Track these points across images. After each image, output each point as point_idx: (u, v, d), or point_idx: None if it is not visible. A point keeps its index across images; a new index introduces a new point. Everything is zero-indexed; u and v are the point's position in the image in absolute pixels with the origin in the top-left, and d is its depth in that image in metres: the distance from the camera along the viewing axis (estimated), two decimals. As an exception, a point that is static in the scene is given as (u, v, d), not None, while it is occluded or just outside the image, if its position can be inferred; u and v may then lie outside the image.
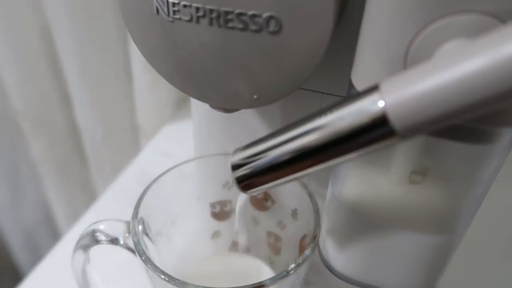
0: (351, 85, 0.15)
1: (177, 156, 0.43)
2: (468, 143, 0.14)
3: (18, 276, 0.75)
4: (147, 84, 0.46)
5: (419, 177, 0.15)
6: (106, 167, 0.53)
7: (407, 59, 0.13)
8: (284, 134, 0.13)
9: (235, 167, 0.15)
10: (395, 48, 0.13)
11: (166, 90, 0.47)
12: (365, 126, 0.12)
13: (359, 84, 0.15)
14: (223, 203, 0.26)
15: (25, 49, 0.47)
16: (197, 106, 0.25)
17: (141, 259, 0.18)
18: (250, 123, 0.24)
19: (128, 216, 0.21)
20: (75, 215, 0.59)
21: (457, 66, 0.10)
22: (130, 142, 0.53)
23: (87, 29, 0.44)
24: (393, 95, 0.11)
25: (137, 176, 0.42)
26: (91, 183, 0.58)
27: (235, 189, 0.26)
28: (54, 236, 0.66)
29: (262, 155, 0.14)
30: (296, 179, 0.14)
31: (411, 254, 0.18)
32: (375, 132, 0.11)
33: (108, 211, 0.37)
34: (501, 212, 0.22)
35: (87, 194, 0.59)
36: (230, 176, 0.25)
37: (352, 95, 0.12)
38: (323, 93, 0.21)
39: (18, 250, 0.71)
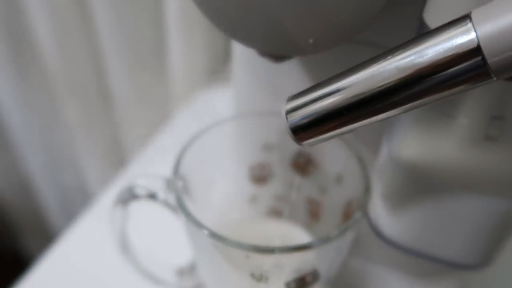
0: (422, 24, 0.14)
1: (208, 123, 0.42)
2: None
3: (51, 236, 0.77)
4: (181, 49, 0.45)
5: (496, 131, 0.13)
6: (137, 133, 0.53)
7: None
8: (350, 76, 0.12)
9: (290, 112, 0.13)
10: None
11: (200, 56, 0.46)
12: (455, 61, 0.10)
13: (434, 22, 0.13)
14: (261, 166, 0.25)
15: (61, 16, 0.47)
16: (241, 58, 0.23)
17: (183, 213, 0.18)
18: (295, 80, 0.22)
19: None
20: (105, 179, 0.60)
21: None
22: (162, 108, 0.52)
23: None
24: (487, 25, 0.10)
25: (168, 141, 0.41)
26: (122, 148, 0.58)
27: (275, 152, 0.25)
28: (86, 197, 0.67)
29: (324, 99, 0.13)
30: (360, 127, 0.13)
31: (474, 222, 0.16)
32: (466, 68, 0.10)
33: (139, 173, 0.37)
34: None
35: (119, 159, 0.60)
36: (270, 139, 0.24)
37: (434, 29, 0.11)
38: (378, 46, 0.19)
39: (52, 211, 0.73)
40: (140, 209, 0.22)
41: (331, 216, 0.24)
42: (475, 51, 0.10)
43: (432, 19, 0.13)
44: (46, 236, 0.77)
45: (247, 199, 0.26)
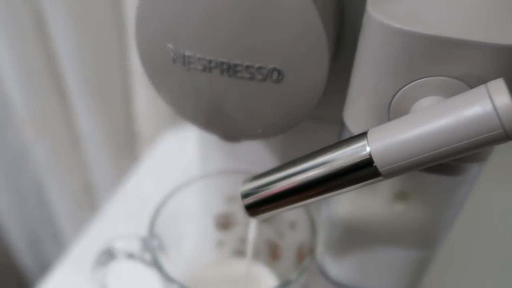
0: (343, 123, 0.18)
1: (177, 164, 0.45)
2: (442, 175, 0.16)
3: (22, 280, 0.76)
4: (148, 92, 0.47)
5: (401, 200, 0.18)
6: (107, 174, 0.55)
7: (390, 109, 0.15)
8: (287, 170, 0.16)
9: (244, 195, 0.17)
10: (380, 100, 0.15)
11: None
12: (355, 167, 0.14)
13: (350, 124, 0.17)
14: (226, 216, 0.29)
15: (28, 61, 0.48)
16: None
17: (160, 272, 0.21)
18: (251, 144, 0.26)
19: (130, 228, 0.23)
20: (78, 222, 0.61)
21: (426, 124, 0.13)
22: (129, 149, 0.55)
23: (87, 40, 0.46)
24: (378, 142, 0.14)
25: (138, 188, 0.44)
26: (93, 190, 0.60)
27: (237, 202, 0.28)
28: (57, 241, 0.67)
29: (268, 186, 0.16)
30: (296, 207, 0.16)
31: (394, 265, 0.20)
32: (363, 173, 0.14)
33: (112, 224, 0.39)
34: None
35: (89, 199, 0.61)
36: (233, 192, 0.28)
37: (344, 140, 0.15)
38: (319, 119, 0.23)
39: (20, 250, 0.73)
40: (119, 263, 0.25)
41: (288, 256, 0.28)
42: (369, 162, 0.14)
43: (348, 121, 0.17)
44: (18, 279, 0.76)
45: (215, 244, 0.30)
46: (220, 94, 0.17)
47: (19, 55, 0.48)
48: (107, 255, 0.23)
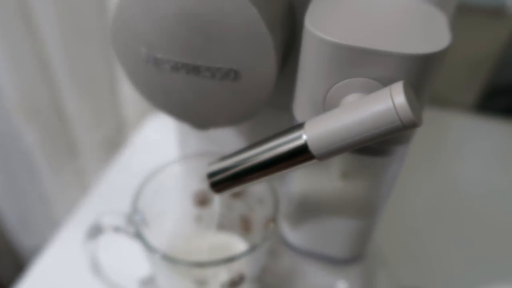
0: (292, 115, 0.21)
1: (161, 145, 0.48)
2: (374, 156, 0.20)
3: (16, 258, 0.80)
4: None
5: (345, 179, 0.21)
6: (95, 156, 0.58)
7: (324, 103, 0.18)
8: (243, 154, 0.19)
9: (210, 175, 0.20)
10: (317, 96, 0.18)
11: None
12: (294, 152, 0.17)
13: (297, 115, 0.20)
14: (203, 193, 0.32)
15: (14, 46, 0.50)
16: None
17: (142, 243, 0.24)
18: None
19: (119, 206, 0.26)
20: (69, 201, 0.64)
21: (347, 116, 0.16)
22: (116, 133, 0.57)
23: (72, 27, 0.48)
24: (312, 132, 0.17)
25: (124, 169, 0.47)
26: (82, 171, 0.62)
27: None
28: (49, 219, 0.70)
29: (228, 168, 0.20)
30: (253, 184, 0.20)
31: (342, 232, 0.24)
32: (301, 156, 0.17)
33: (102, 203, 0.42)
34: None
35: (79, 181, 0.64)
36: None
37: (285, 130, 0.18)
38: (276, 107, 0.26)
39: (15, 233, 0.76)
40: (107, 236, 0.28)
41: (258, 228, 0.31)
42: (305, 148, 0.17)
43: (296, 113, 0.20)
44: (11, 256, 0.79)
45: (193, 219, 0.33)
46: (187, 90, 0.20)
47: (6, 42, 0.50)
48: (96, 229, 0.26)
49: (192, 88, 0.20)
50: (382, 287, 0.36)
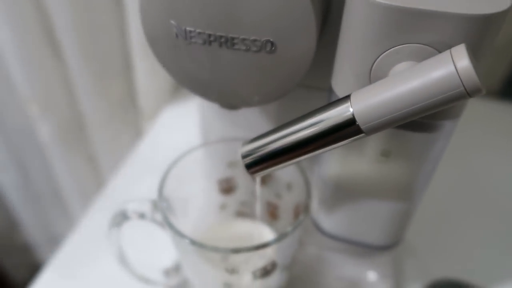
0: (331, 89, 0.20)
1: (178, 136, 0.47)
2: (419, 132, 0.18)
3: (31, 254, 0.80)
4: (147, 69, 0.49)
5: (384, 158, 0.20)
6: (110, 149, 0.57)
7: (370, 74, 0.17)
8: (282, 131, 0.18)
9: (245, 156, 0.19)
10: (362, 67, 0.17)
11: (164, 75, 0.50)
12: (340, 126, 0.16)
13: (337, 89, 0.19)
14: (228, 180, 0.31)
15: (29, 43, 0.50)
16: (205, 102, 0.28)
17: (171, 229, 0.23)
18: (249, 111, 0.28)
19: (138, 196, 0.26)
20: (84, 195, 0.63)
21: (402, 84, 0.15)
22: (132, 124, 0.56)
23: (86, 17, 0.47)
24: (359, 103, 0.16)
25: (141, 160, 0.46)
26: (97, 164, 0.62)
27: (238, 167, 0.30)
28: (64, 214, 0.70)
29: (265, 146, 0.18)
30: (291, 164, 0.18)
31: (380, 217, 0.23)
32: (347, 130, 0.16)
33: (115, 195, 0.41)
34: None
35: (94, 175, 0.63)
36: (233, 158, 0.30)
37: (331, 103, 0.17)
38: (309, 86, 0.25)
39: (30, 229, 0.76)
40: (129, 225, 0.27)
41: (286, 215, 0.30)
42: (353, 121, 0.16)
43: (335, 86, 0.19)
44: (25, 252, 0.79)
45: (218, 207, 0.32)
46: (219, 65, 0.19)
47: (20, 36, 0.49)
48: (121, 216, 0.25)
49: (225, 62, 0.19)
50: (411, 278, 0.35)
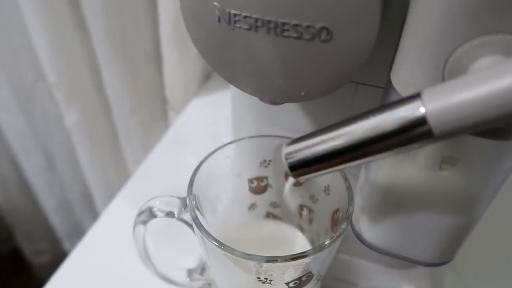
0: (389, 84, 0.17)
1: (206, 129, 0.45)
2: (493, 139, 0.16)
3: (54, 238, 0.80)
4: (176, 60, 0.47)
5: (448, 166, 0.17)
6: (136, 140, 0.56)
7: (445, 70, 0.14)
8: (335, 131, 0.16)
9: (289, 156, 0.17)
10: (435, 60, 0.14)
11: (193, 67, 0.49)
12: (408, 126, 0.14)
13: (398, 84, 0.17)
14: (259, 179, 0.29)
15: (59, 27, 0.49)
16: (236, 93, 0.26)
17: (200, 231, 0.21)
18: (287, 107, 0.26)
19: (160, 192, 0.24)
20: (106, 183, 0.63)
21: (490, 82, 0.12)
22: (159, 116, 0.55)
23: (115, 5, 0.45)
24: (434, 102, 0.13)
25: (168, 153, 0.44)
26: (122, 154, 0.61)
27: (270, 166, 0.28)
28: (87, 203, 0.70)
29: (314, 147, 0.16)
30: (341, 169, 0.16)
31: (434, 231, 0.20)
32: (416, 133, 0.14)
33: (141, 187, 0.40)
34: None
35: (118, 164, 0.62)
36: (266, 156, 0.28)
37: (396, 101, 0.14)
38: (357, 83, 0.23)
39: (53, 214, 0.76)
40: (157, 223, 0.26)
41: (321, 221, 0.28)
42: (423, 122, 0.13)
43: (396, 81, 0.16)
44: (50, 237, 0.79)
45: (247, 206, 0.30)
46: (266, 54, 0.17)
47: (49, 19, 0.49)
48: (147, 214, 0.24)
49: (272, 51, 0.17)
50: (450, 293, 0.32)
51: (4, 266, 0.82)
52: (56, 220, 0.76)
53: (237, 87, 0.19)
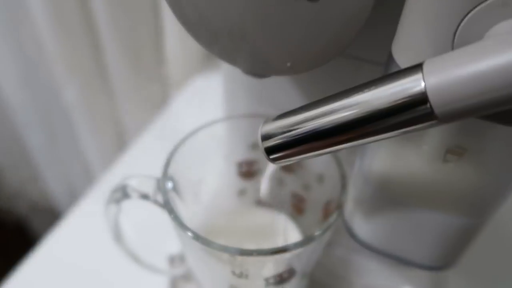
0: (390, 57, 0.14)
1: (204, 108, 0.43)
2: (508, 124, 0.13)
3: (54, 213, 0.80)
4: (177, 35, 0.45)
5: (454, 157, 0.15)
6: (136, 115, 0.55)
7: (455, 38, 0.12)
8: (319, 108, 0.13)
9: (265, 137, 0.15)
10: (444, 24, 0.12)
11: (195, 42, 0.46)
12: (405, 105, 0.11)
13: (400, 57, 0.14)
14: (250, 163, 0.27)
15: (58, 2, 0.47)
16: (229, 69, 0.24)
17: (170, 216, 0.19)
18: (281, 85, 0.23)
19: (156, 168, 0.22)
20: (107, 159, 0.61)
21: (504, 53, 0.09)
22: (159, 92, 0.53)
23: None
24: (437, 76, 0.11)
25: (166, 128, 0.42)
26: (121, 128, 0.59)
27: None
28: (87, 176, 0.69)
29: (294, 127, 0.14)
30: (326, 153, 0.14)
31: (434, 232, 0.18)
32: (414, 114, 0.11)
33: (138, 161, 0.38)
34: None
35: (118, 140, 0.61)
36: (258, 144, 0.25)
37: (393, 73, 0.12)
38: (360, 59, 0.20)
39: (51, 183, 0.75)
40: (133, 203, 0.24)
41: (313, 211, 0.25)
42: (424, 100, 0.11)
43: (397, 53, 0.14)
44: (50, 211, 0.79)
45: (236, 192, 0.28)
46: (247, 16, 0.15)
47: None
48: (120, 193, 0.21)
49: (253, 12, 0.14)
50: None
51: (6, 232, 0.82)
52: (57, 193, 0.76)
53: (217, 56, 0.17)
